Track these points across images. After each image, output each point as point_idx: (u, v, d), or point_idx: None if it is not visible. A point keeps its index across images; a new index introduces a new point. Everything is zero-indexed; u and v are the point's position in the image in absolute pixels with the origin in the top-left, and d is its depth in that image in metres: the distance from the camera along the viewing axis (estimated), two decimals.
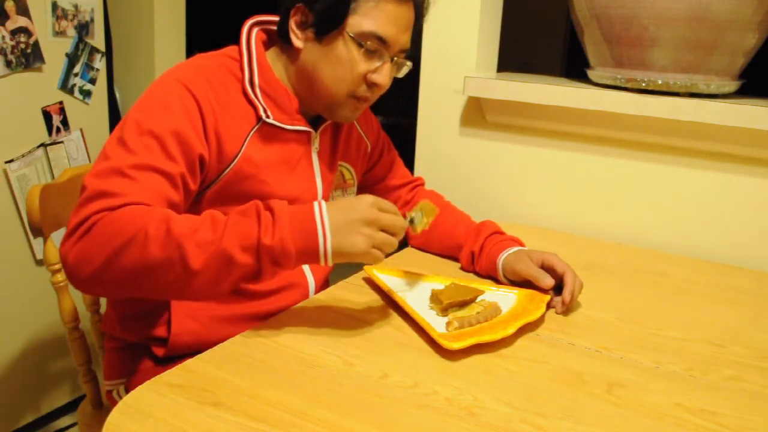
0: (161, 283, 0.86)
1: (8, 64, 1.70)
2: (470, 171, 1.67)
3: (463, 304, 1.03)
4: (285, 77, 1.11)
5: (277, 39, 1.12)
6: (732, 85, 1.44)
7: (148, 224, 0.84)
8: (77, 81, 1.90)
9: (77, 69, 1.89)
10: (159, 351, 1.06)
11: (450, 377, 0.85)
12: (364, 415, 0.75)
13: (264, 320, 0.99)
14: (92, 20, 1.91)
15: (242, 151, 1.03)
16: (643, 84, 1.42)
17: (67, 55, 1.85)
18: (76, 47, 1.88)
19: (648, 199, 1.50)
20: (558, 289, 1.10)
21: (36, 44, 1.76)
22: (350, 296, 1.09)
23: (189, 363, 0.83)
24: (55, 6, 1.79)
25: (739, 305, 1.17)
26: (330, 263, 0.88)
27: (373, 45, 1.04)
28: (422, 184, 1.42)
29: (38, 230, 1.19)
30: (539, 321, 1.02)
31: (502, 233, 1.25)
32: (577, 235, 1.53)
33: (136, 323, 1.08)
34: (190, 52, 2.51)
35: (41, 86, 1.80)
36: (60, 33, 1.83)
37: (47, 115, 1.84)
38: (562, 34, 4.10)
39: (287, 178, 1.10)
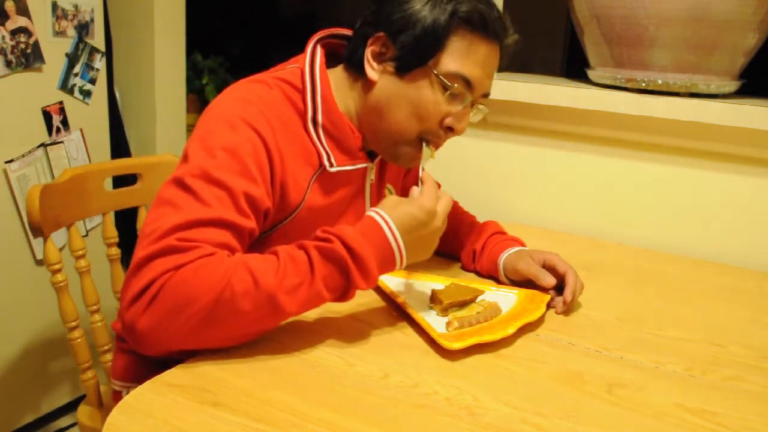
0: (248, 332, 0.84)
1: (8, 64, 1.70)
2: (470, 171, 1.67)
3: (463, 304, 1.03)
4: (349, 107, 1.04)
5: (343, 58, 1.04)
6: (732, 85, 1.44)
7: (231, 279, 0.78)
8: (77, 81, 1.90)
9: (77, 69, 1.89)
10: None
11: (450, 377, 0.85)
12: (364, 415, 0.75)
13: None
14: (92, 20, 1.91)
15: (305, 199, 0.98)
16: (643, 84, 1.42)
17: (67, 55, 1.85)
18: (76, 47, 1.88)
19: (648, 199, 1.50)
20: (559, 289, 1.10)
21: (36, 44, 1.76)
22: None
23: (189, 363, 0.83)
24: (55, 6, 1.79)
25: (739, 305, 1.17)
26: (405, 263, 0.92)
27: (460, 88, 0.97)
28: None
29: (38, 230, 1.19)
30: (539, 321, 1.02)
31: (504, 233, 1.25)
32: (577, 235, 1.53)
33: None
34: (190, 52, 2.51)
35: (41, 86, 1.80)
36: (60, 33, 1.83)
37: (47, 115, 1.84)
38: (562, 34, 4.11)
39: (341, 216, 1.06)
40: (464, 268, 1.26)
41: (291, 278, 0.82)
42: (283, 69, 1.03)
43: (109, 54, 2.11)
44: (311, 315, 1.01)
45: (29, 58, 1.75)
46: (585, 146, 1.54)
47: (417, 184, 0.96)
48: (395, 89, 0.98)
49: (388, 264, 0.89)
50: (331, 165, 1.00)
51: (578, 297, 1.09)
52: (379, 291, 1.11)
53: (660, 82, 1.40)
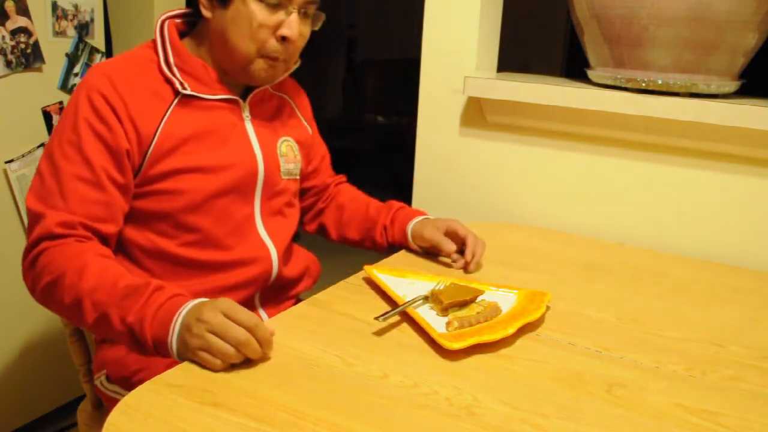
0: (77, 321, 0.98)
1: (8, 64, 1.70)
2: (470, 171, 1.67)
3: (463, 304, 1.03)
4: (202, 54, 1.14)
5: (191, 28, 1.16)
6: (732, 85, 1.44)
7: (66, 271, 0.95)
8: (77, 81, 1.90)
9: (77, 69, 1.89)
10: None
11: (450, 377, 0.85)
12: (364, 415, 0.75)
13: (231, 293, 1.08)
14: (92, 20, 1.91)
15: (160, 127, 1.06)
16: (643, 84, 1.42)
17: (67, 55, 1.85)
18: (76, 47, 1.88)
19: (648, 199, 1.50)
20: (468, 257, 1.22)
21: (36, 44, 1.76)
22: (350, 296, 1.09)
23: (189, 363, 0.83)
24: (55, 6, 1.79)
25: (739, 305, 1.17)
26: (179, 359, 0.86)
27: None
28: (345, 182, 1.46)
29: None
30: (539, 321, 1.02)
31: (408, 207, 1.37)
32: (578, 235, 1.53)
33: None
34: None
35: (41, 86, 1.80)
36: (60, 33, 1.83)
37: (47, 115, 1.84)
38: (562, 34, 4.11)
39: (219, 147, 1.12)
40: (378, 246, 1.34)
41: (101, 294, 0.92)
42: None
43: (109, 54, 2.10)
44: (311, 315, 1.01)
45: (29, 58, 1.75)
46: (585, 146, 1.54)
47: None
48: (223, 19, 1.09)
49: (164, 325, 0.88)
50: (185, 89, 1.09)
51: (480, 257, 1.23)
52: (379, 291, 1.11)
53: (660, 82, 1.40)
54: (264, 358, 0.85)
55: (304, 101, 1.35)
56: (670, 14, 1.34)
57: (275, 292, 1.22)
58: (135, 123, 1.04)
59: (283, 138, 1.24)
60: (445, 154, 1.69)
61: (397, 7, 4.41)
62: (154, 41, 1.13)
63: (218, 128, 1.12)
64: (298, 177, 1.28)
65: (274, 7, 1.07)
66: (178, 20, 1.16)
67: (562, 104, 1.47)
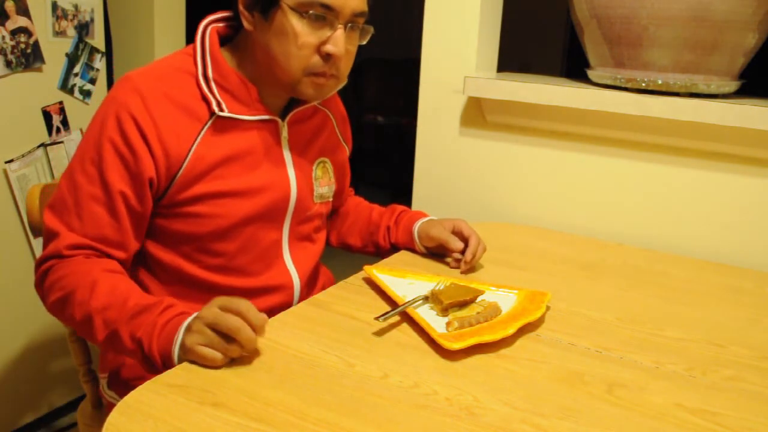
0: (88, 337, 0.96)
1: (8, 64, 1.70)
2: (470, 171, 1.67)
3: (463, 304, 1.03)
4: (242, 68, 1.08)
5: (235, 33, 1.10)
6: (732, 85, 1.44)
7: (77, 287, 0.94)
8: (77, 81, 1.90)
9: (77, 69, 1.89)
10: None
11: (450, 377, 0.85)
12: (364, 415, 0.75)
13: None
14: (92, 20, 1.91)
15: (192, 151, 1.01)
16: (643, 84, 1.42)
17: (67, 55, 1.85)
18: (76, 47, 1.88)
19: (648, 199, 1.50)
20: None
21: (36, 44, 1.76)
22: (350, 296, 1.09)
23: (189, 363, 0.83)
24: (55, 6, 1.79)
25: (739, 305, 1.17)
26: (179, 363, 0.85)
27: (317, 12, 0.99)
28: (353, 194, 1.45)
29: (38, 230, 1.18)
30: (539, 321, 1.02)
31: (410, 210, 1.36)
32: (578, 235, 1.53)
33: None
34: None
35: (41, 86, 1.80)
36: (60, 33, 1.83)
37: (47, 115, 1.84)
38: (562, 34, 4.11)
39: (252, 170, 1.07)
40: (381, 250, 1.33)
41: (112, 312, 0.91)
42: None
43: (109, 54, 2.10)
44: (311, 315, 1.01)
45: (29, 58, 1.75)
46: (585, 146, 1.54)
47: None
48: (266, 34, 1.02)
49: (169, 338, 0.87)
50: (222, 110, 1.03)
51: (479, 258, 1.23)
52: (379, 291, 1.11)
53: (660, 82, 1.40)
54: (256, 353, 0.85)
55: (345, 119, 1.30)
56: (670, 14, 1.34)
57: None
58: (165, 146, 0.99)
59: (320, 160, 1.20)
60: (445, 154, 1.69)
61: (397, 7, 4.41)
62: (194, 48, 1.06)
63: (252, 150, 1.07)
64: (330, 200, 1.24)
65: (318, 22, 1.00)
66: (220, 24, 1.09)
67: (562, 104, 1.47)
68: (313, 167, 1.19)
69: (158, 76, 1.03)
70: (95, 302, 0.92)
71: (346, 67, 1.07)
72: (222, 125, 1.04)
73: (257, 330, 0.83)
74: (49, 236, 1.01)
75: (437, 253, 1.29)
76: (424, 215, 1.33)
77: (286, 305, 1.11)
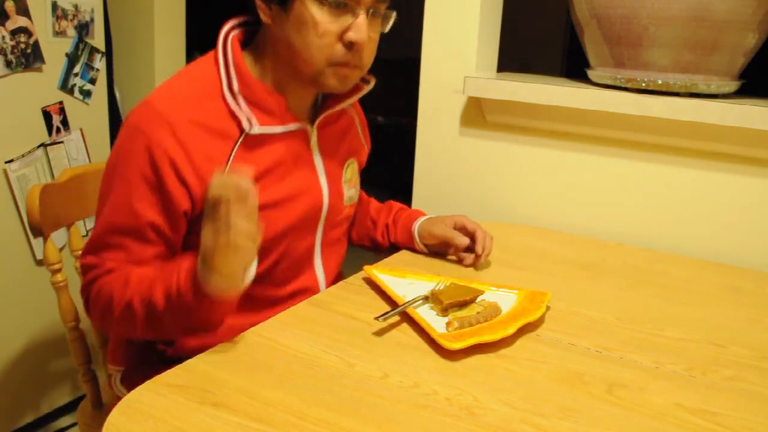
0: (132, 329, 0.96)
1: (8, 64, 1.70)
2: (470, 171, 1.67)
3: (463, 304, 1.03)
4: (265, 75, 1.04)
5: (252, 37, 1.06)
6: (732, 85, 1.44)
7: (114, 289, 0.94)
8: (77, 81, 1.90)
9: (77, 69, 1.89)
10: (166, 349, 1.06)
11: (450, 377, 0.85)
12: (364, 415, 0.75)
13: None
14: (92, 20, 1.91)
15: (227, 170, 0.98)
16: (643, 84, 1.42)
17: (67, 55, 1.85)
18: (76, 47, 1.88)
19: (648, 199, 1.50)
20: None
21: (36, 44, 1.75)
22: (350, 296, 1.09)
23: (189, 363, 0.83)
24: (55, 6, 1.79)
25: (739, 305, 1.17)
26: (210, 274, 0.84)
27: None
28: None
29: (38, 230, 1.19)
30: (539, 321, 1.02)
31: (408, 208, 1.36)
32: (578, 235, 1.53)
33: None
34: (189, 52, 2.51)
35: (41, 86, 1.80)
36: (60, 33, 1.83)
37: (47, 115, 1.84)
38: (562, 34, 4.10)
39: (283, 180, 1.05)
40: (378, 247, 1.33)
41: (145, 288, 0.91)
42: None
43: (109, 54, 2.10)
44: (311, 315, 1.01)
45: (29, 58, 1.75)
46: (585, 146, 1.54)
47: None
48: (285, 26, 0.98)
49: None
50: (252, 126, 1.00)
51: (489, 251, 1.23)
52: (379, 291, 1.11)
53: (660, 82, 1.40)
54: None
55: (364, 120, 1.29)
56: (670, 14, 1.34)
57: None
58: (200, 174, 0.96)
59: (349, 162, 1.19)
60: (445, 154, 1.69)
61: (397, 7, 4.40)
62: (215, 58, 1.01)
63: (284, 161, 1.05)
64: (356, 201, 1.24)
65: (339, 9, 0.96)
66: (237, 31, 1.05)
67: (562, 104, 1.47)
68: (344, 169, 1.18)
69: (182, 98, 0.99)
70: (129, 290, 0.92)
71: (369, 56, 1.03)
72: (253, 141, 1.01)
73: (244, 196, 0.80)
74: (86, 270, 0.99)
75: (438, 251, 1.29)
76: (422, 214, 1.32)
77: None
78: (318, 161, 1.12)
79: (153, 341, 1.08)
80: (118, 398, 1.13)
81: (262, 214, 0.98)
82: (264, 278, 1.05)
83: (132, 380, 1.12)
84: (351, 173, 1.20)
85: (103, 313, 0.96)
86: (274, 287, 1.09)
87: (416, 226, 1.28)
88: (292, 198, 1.06)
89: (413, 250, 1.30)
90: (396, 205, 1.36)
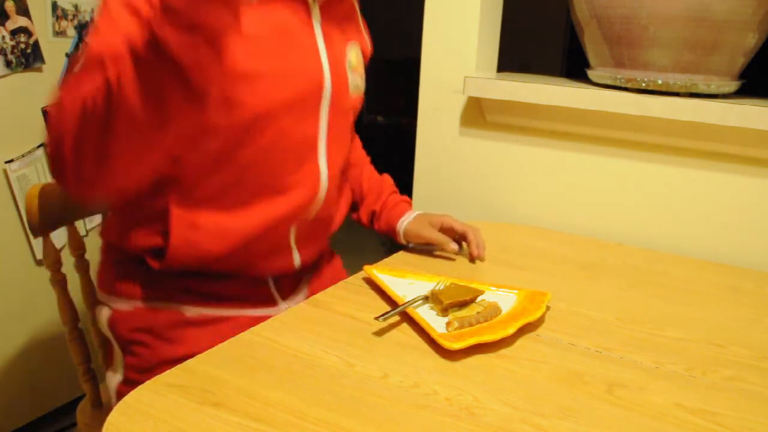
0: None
1: (8, 64, 1.70)
2: (470, 171, 1.67)
3: (463, 304, 1.03)
4: None
5: None
6: (732, 85, 1.44)
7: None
8: None
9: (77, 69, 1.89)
10: (155, 264, 1.03)
11: (450, 377, 0.85)
12: (364, 415, 0.75)
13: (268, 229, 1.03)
14: (92, 20, 1.91)
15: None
16: (643, 84, 1.42)
17: (67, 55, 1.85)
18: (76, 47, 1.88)
19: (648, 199, 1.50)
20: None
21: (36, 44, 1.76)
22: (350, 296, 1.09)
23: (189, 363, 0.84)
24: (55, 6, 1.79)
25: (739, 305, 1.17)
26: None
27: None
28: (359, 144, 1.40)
29: (38, 230, 1.19)
30: (539, 321, 1.02)
31: (397, 192, 1.35)
32: (578, 235, 1.53)
33: (135, 231, 1.04)
34: None
35: (41, 86, 1.80)
36: (60, 33, 1.83)
37: (47, 115, 1.84)
38: (562, 34, 4.11)
39: (277, 50, 0.98)
40: (361, 223, 1.34)
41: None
42: None
43: None
44: (311, 315, 1.01)
45: (29, 58, 1.75)
46: (585, 146, 1.54)
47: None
48: None
49: None
50: None
51: (484, 246, 1.26)
52: (379, 291, 1.11)
53: (660, 82, 1.40)
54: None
55: (363, 19, 1.22)
56: (670, 14, 1.34)
57: (312, 229, 1.13)
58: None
59: (352, 43, 1.12)
60: (445, 154, 1.69)
61: (397, 7, 4.41)
62: None
63: (279, 29, 0.99)
64: (362, 95, 1.16)
65: None
66: None
67: (562, 104, 1.47)
68: (347, 51, 1.10)
69: None
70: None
71: None
72: (250, 9, 0.94)
73: None
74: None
75: (425, 248, 1.31)
76: (409, 206, 1.32)
77: (307, 207, 1.08)
78: (319, 38, 1.05)
79: (141, 257, 1.04)
80: (105, 339, 1.10)
81: (253, 83, 0.95)
82: (261, 162, 1.01)
83: (124, 321, 1.08)
84: (356, 59, 1.13)
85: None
86: (272, 175, 1.03)
87: (402, 226, 1.29)
88: (287, 72, 1.00)
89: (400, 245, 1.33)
90: (387, 187, 1.34)
